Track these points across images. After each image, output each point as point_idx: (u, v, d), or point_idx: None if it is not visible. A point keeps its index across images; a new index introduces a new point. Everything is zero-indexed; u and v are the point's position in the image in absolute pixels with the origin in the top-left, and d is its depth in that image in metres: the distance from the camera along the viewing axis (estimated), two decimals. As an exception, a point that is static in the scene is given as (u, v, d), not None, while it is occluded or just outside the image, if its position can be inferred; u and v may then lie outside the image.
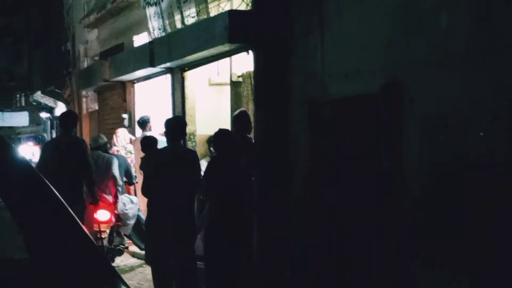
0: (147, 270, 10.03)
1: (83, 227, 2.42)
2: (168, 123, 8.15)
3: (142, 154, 9.85)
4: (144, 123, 12.22)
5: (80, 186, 9.31)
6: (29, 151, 26.62)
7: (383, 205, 6.40)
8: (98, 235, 10.31)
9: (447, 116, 5.58)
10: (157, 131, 11.70)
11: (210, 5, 10.42)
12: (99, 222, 10.46)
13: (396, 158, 6.16)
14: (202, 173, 8.21)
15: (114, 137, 12.71)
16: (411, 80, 6.00)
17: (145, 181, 8.08)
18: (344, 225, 7.11)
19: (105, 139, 11.53)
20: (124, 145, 12.56)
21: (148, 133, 11.57)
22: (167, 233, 7.67)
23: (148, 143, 9.82)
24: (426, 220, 5.84)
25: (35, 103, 30.30)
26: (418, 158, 5.93)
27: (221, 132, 8.21)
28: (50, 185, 2.50)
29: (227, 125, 9.81)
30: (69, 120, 9.59)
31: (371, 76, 6.51)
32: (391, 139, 6.24)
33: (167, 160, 7.86)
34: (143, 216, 10.45)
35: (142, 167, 9.37)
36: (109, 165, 10.75)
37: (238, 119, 8.88)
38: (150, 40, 12.31)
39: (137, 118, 13.32)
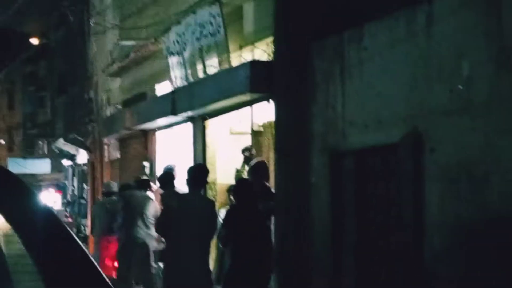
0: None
1: (105, 277, 2.42)
2: (191, 171, 8.19)
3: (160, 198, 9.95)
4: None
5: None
6: (50, 198, 26.73)
7: (403, 255, 6.34)
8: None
9: (469, 165, 5.55)
10: (180, 179, 11.74)
11: (232, 55, 10.54)
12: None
13: (417, 208, 6.12)
14: (221, 221, 8.22)
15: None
16: (432, 130, 5.99)
17: (161, 219, 8.10)
18: (364, 274, 7.05)
19: (116, 186, 11.93)
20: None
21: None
22: (182, 283, 7.65)
23: (167, 178, 9.92)
24: (447, 272, 5.77)
25: (57, 150, 30.55)
26: (439, 208, 5.88)
27: (243, 181, 8.23)
28: (72, 232, 2.51)
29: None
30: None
31: (391, 126, 6.51)
32: (412, 189, 6.21)
33: (188, 207, 7.88)
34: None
35: (163, 202, 9.43)
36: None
37: (256, 169, 8.87)
38: (172, 89, 12.43)
39: (158, 166, 13.37)
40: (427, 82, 6.08)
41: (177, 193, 9.63)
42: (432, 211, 5.96)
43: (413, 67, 6.27)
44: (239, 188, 8.09)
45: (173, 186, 9.93)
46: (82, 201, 24.82)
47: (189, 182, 8.05)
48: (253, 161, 9.19)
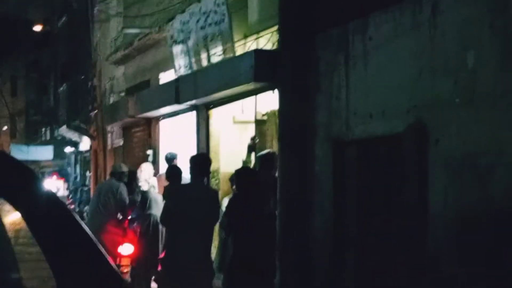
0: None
1: (110, 260, 2.44)
2: (193, 160, 8.18)
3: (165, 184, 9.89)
4: (171, 160, 12.22)
5: None
6: (53, 185, 26.78)
7: (406, 246, 6.36)
8: (120, 270, 10.26)
9: (473, 157, 5.56)
10: (182, 168, 11.73)
11: (236, 44, 10.53)
12: (121, 256, 10.42)
13: (420, 199, 6.13)
14: (224, 210, 8.23)
15: (138, 171, 12.74)
16: (436, 121, 5.99)
17: (165, 211, 8.13)
18: (366, 266, 7.06)
19: (125, 169, 11.65)
20: (147, 179, 12.56)
21: None
22: (183, 271, 7.66)
23: (174, 172, 9.81)
24: (450, 263, 5.78)
25: (60, 137, 30.56)
26: (443, 200, 5.89)
27: (242, 170, 8.20)
28: (77, 216, 2.53)
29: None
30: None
31: (396, 117, 6.51)
32: (415, 180, 6.22)
33: (189, 197, 7.90)
34: None
35: (164, 196, 9.38)
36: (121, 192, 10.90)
37: (266, 160, 8.83)
38: (176, 77, 12.43)
39: (161, 154, 13.37)
40: (432, 73, 6.08)
41: (179, 186, 9.43)
42: (436, 202, 5.97)
43: (419, 58, 6.26)
44: (239, 177, 8.09)
45: (179, 181, 9.77)
46: (85, 188, 24.87)
47: (192, 171, 8.05)
48: (264, 152, 9.14)
